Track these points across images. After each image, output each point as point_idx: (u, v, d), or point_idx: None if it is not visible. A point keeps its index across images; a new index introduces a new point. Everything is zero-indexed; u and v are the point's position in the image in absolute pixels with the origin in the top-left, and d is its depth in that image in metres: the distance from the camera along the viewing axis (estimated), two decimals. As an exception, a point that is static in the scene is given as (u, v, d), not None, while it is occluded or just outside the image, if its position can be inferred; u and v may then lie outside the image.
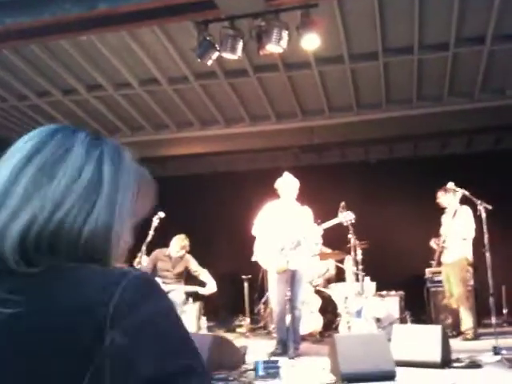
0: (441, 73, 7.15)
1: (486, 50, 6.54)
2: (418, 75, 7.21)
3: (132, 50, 6.61)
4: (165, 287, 6.62)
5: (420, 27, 6.14)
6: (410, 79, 7.32)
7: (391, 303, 6.92)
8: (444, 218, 6.92)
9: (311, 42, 5.55)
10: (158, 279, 6.95)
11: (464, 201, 6.50)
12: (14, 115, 8.37)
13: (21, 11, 5.30)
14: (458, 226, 6.62)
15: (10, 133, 8.86)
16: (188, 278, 7.30)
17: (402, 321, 6.79)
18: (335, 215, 6.02)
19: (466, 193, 6.10)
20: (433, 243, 6.93)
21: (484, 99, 7.72)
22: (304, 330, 6.30)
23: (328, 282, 7.35)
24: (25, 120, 8.56)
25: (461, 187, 6.25)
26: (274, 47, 5.45)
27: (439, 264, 6.97)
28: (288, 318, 5.52)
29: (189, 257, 7.26)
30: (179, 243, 7.16)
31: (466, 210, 6.57)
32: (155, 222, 6.61)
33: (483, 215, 5.88)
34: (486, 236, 5.82)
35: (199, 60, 5.82)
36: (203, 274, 7.11)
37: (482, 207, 5.95)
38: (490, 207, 5.77)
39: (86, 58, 6.84)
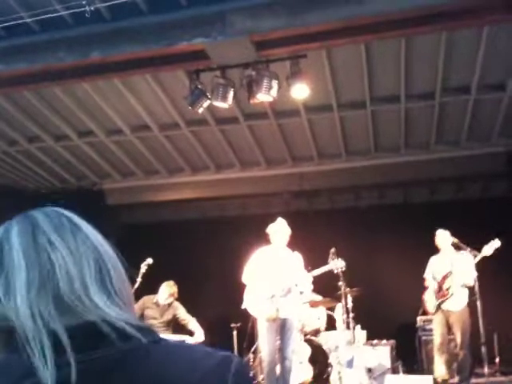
0: (427, 121, 7.29)
1: (471, 99, 6.70)
2: (406, 123, 7.35)
3: (124, 98, 6.70)
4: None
5: (406, 77, 6.30)
6: (398, 127, 7.45)
7: (382, 352, 6.79)
8: (436, 260, 6.64)
9: (300, 91, 5.66)
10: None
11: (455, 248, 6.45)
12: (4, 160, 8.37)
13: (15, 58, 5.38)
14: (465, 272, 6.27)
15: (1, 179, 8.85)
16: (175, 326, 7.16)
17: (394, 371, 6.66)
18: (325, 261, 5.99)
19: (455, 240, 6.12)
20: (431, 292, 6.53)
21: (470, 147, 7.86)
22: (294, 380, 6.16)
23: (318, 330, 7.23)
24: (15, 165, 8.56)
25: (451, 233, 6.26)
26: (264, 96, 5.55)
27: (437, 310, 6.50)
28: (278, 369, 5.41)
29: (177, 304, 7.14)
30: (168, 290, 7.06)
31: (469, 256, 6.32)
32: (143, 268, 6.54)
33: (473, 262, 5.88)
34: (476, 283, 5.80)
35: (190, 108, 5.90)
36: (191, 323, 6.97)
37: (471, 254, 5.96)
38: (478, 254, 5.77)
39: (78, 105, 6.92)
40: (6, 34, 5.21)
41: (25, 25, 5.10)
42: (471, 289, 6.23)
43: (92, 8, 4.70)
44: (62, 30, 5.13)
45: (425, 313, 6.87)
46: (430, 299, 6.57)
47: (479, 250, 6.10)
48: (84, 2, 4.70)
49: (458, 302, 6.35)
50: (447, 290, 6.39)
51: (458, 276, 6.32)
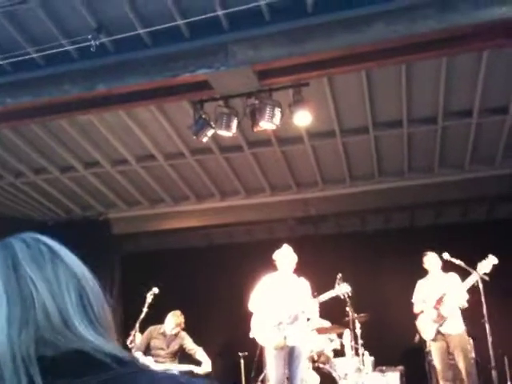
0: (430, 145, 7.32)
1: (473, 122, 6.74)
2: (409, 148, 7.38)
3: (129, 128, 6.77)
4: (158, 366, 6.43)
5: (408, 102, 6.36)
6: (401, 152, 7.48)
7: (392, 379, 6.70)
8: (425, 283, 6.49)
9: (303, 118, 5.72)
10: (150, 358, 6.77)
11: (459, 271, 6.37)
12: (10, 192, 8.43)
13: (21, 92, 5.47)
14: (458, 293, 6.17)
15: (6, 210, 8.90)
16: (182, 356, 7.10)
17: (405, 397, 6.57)
18: (332, 286, 5.96)
19: (462, 264, 6.08)
20: (426, 318, 6.35)
21: (474, 170, 7.86)
22: (303, 409, 6.08)
23: (327, 357, 7.15)
24: (21, 197, 8.62)
25: (457, 256, 6.22)
26: (268, 124, 5.61)
27: (436, 335, 6.29)
28: (287, 397, 5.34)
29: (184, 334, 7.09)
30: (174, 320, 7.01)
31: (457, 277, 6.25)
32: (149, 298, 6.53)
33: (480, 285, 5.83)
34: (484, 307, 5.74)
35: (195, 137, 5.95)
36: (198, 353, 6.91)
37: (479, 278, 5.92)
38: (486, 278, 5.73)
39: (83, 136, 7.00)
40: (13, 68, 5.30)
41: (31, 60, 5.20)
42: (474, 311, 6.13)
43: (97, 42, 4.79)
44: (67, 63, 5.22)
45: (420, 339, 6.68)
46: (425, 325, 6.37)
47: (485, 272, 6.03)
48: (89, 37, 4.79)
49: (456, 325, 6.22)
50: (444, 312, 6.22)
51: (453, 298, 6.19)
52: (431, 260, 6.47)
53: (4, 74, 5.33)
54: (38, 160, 7.49)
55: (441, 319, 6.26)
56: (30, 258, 0.87)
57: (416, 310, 6.49)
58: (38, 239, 0.92)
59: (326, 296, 5.81)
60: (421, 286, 6.55)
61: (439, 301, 6.29)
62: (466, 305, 6.19)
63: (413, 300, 6.53)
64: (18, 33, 5.02)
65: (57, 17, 4.90)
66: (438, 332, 6.27)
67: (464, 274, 6.15)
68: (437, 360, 6.34)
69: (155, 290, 6.58)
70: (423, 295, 6.46)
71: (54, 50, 5.06)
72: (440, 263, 6.39)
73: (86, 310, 0.86)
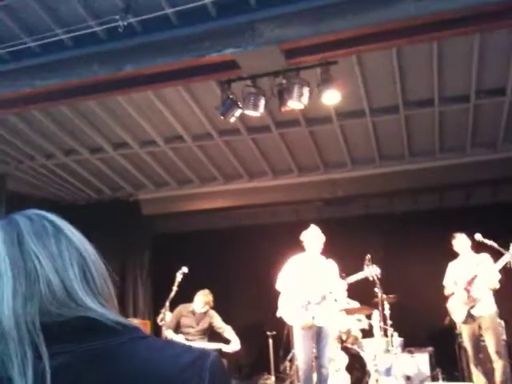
0: (463, 124, 7.16)
1: (506, 100, 6.56)
2: (440, 127, 7.24)
3: (157, 109, 6.79)
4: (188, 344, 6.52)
5: (439, 80, 6.21)
6: (432, 131, 7.35)
7: (421, 360, 6.68)
8: (456, 265, 6.38)
9: (332, 97, 5.65)
10: (181, 335, 6.87)
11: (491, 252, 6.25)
12: (41, 173, 8.58)
13: (50, 74, 5.53)
14: (489, 274, 6.03)
15: (37, 191, 9.07)
16: (211, 334, 7.19)
17: (434, 378, 6.54)
18: (360, 268, 5.94)
19: (495, 244, 5.96)
20: (457, 300, 6.23)
21: (507, 149, 7.68)
22: (331, 389, 6.11)
23: (355, 338, 7.15)
24: (52, 178, 8.77)
25: (487, 238, 6.11)
26: (295, 104, 5.55)
27: (468, 317, 6.16)
28: (315, 377, 5.37)
29: (213, 313, 7.18)
30: (203, 299, 7.10)
31: (489, 258, 6.11)
32: (179, 277, 6.60)
33: (496, 264, 5.74)
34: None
35: (222, 118, 5.94)
36: (227, 331, 6.99)
37: (511, 258, 5.81)
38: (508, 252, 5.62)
39: (112, 118, 7.06)
40: (41, 50, 5.36)
41: (59, 41, 5.24)
42: (505, 292, 6.03)
43: (125, 23, 4.79)
44: (95, 44, 5.24)
45: (451, 321, 6.59)
46: (456, 307, 6.27)
47: None
48: (117, 18, 4.79)
49: (488, 306, 6.09)
50: (476, 294, 6.11)
51: (484, 279, 6.06)
52: (460, 242, 6.34)
53: (33, 56, 5.39)
54: (67, 141, 7.59)
55: (471, 301, 6.14)
56: (34, 234, 0.89)
57: (447, 292, 6.38)
58: (41, 215, 0.95)
59: (355, 277, 5.79)
60: (452, 267, 6.43)
61: (470, 282, 6.17)
62: (497, 286, 6.04)
63: (444, 282, 6.42)
64: (47, 15, 5.06)
65: (85, -2, 4.91)
66: (469, 314, 6.15)
67: (496, 255, 6.03)
68: (468, 343, 6.24)
69: (185, 269, 6.64)
70: (454, 277, 6.34)
71: (82, 32, 5.09)
72: (469, 244, 6.25)
73: (88, 283, 0.88)
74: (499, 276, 5.98)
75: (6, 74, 5.56)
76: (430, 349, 6.93)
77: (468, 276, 6.22)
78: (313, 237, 5.91)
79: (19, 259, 0.85)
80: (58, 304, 0.83)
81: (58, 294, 0.84)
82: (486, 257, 6.16)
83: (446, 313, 6.44)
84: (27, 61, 5.45)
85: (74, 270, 0.87)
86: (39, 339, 0.79)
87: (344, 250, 7.02)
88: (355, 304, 7.15)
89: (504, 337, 6.56)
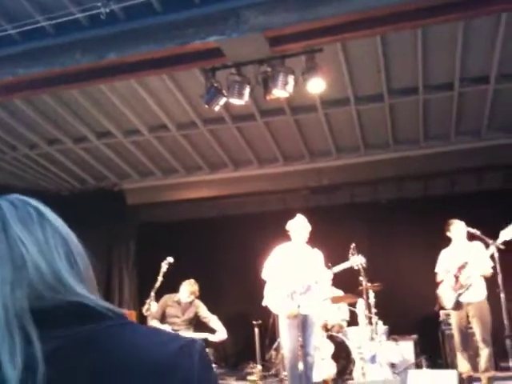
0: (447, 112, 7.19)
1: (491, 88, 6.59)
2: (424, 115, 7.26)
3: (141, 98, 6.73)
4: (174, 334, 6.52)
5: (424, 68, 6.22)
6: (416, 119, 7.37)
7: (405, 348, 6.75)
8: (448, 252, 6.43)
9: (317, 85, 5.63)
10: (166, 325, 6.86)
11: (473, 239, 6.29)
12: (24, 163, 8.48)
13: (32, 62, 5.43)
14: (481, 261, 6.05)
15: (20, 181, 8.97)
16: (197, 324, 7.19)
17: (418, 366, 6.61)
18: (345, 256, 5.96)
19: (478, 232, 6.02)
20: (447, 286, 6.29)
21: (491, 137, 7.74)
22: (317, 377, 6.15)
23: (340, 326, 7.20)
24: (36, 168, 8.67)
25: (471, 225, 6.16)
26: (280, 92, 5.53)
27: (457, 304, 6.23)
28: (301, 365, 5.40)
29: (198, 302, 7.18)
30: (189, 288, 7.09)
31: (481, 246, 6.13)
32: (164, 267, 6.58)
33: (496, 254, 5.78)
34: (499, 276, 5.70)
35: (207, 106, 5.90)
36: (213, 321, 7.00)
37: (494, 246, 5.86)
38: (502, 246, 5.67)
39: (96, 107, 6.97)
40: (23, 38, 5.26)
41: (41, 28, 5.15)
42: (489, 280, 6.08)
43: (107, 10, 4.72)
44: (77, 32, 5.16)
45: (441, 308, 6.68)
46: (445, 294, 6.32)
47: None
48: (99, 4, 4.72)
49: (476, 293, 6.14)
50: (465, 280, 6.16)
51: (475, 266, 6.10)
52: (457, 228, 6.33)
53: (14, 43, 5.29)
54: (51, 131, 7.50)
55: (460, 288, 6.19)
56: (19, 219, 0.88)
57: (438, 279, 6.44)
58: (25, 201, 0.94)
59: (340, 267, 5.80)
60: (444, 254, 6.47)
61: (460, 269, 6.22)
62: (489, 273, 6.04)
63: (436, 269, 6.47)
64: (27, 1, 4.96)
65: (65, -16, 4.83)
66: (458, 301, 6.22)
67: (484, 242, 6.08)
68: (455, 329, 6.30)
69: (170, 259, 6.62)
70: (447, 264, 6.39)
71: (64, 19, 5.01)
72: (465, 232, 6.26)
73: (73, 269, 0.88)
74: (491, 263, 6.00)
75: (-14, 61, 5.46)
76: (415, 336, 7.01)
77: (459, 263, 6.26)
78: (299, 226, 5.91)
79: (4, 245, 0.84)
80: (48, 288, 0.83)
81: (48, 279, 0.83)
82: (478, 244, 6.18)
83: (436, 299, 6.49)
84: (8, 49, 5.34)
85: (61, 255, 0.87)
86: (28, 324, 0.78)
87: (330, 238, 7.05)
88: (339, 293, 7.19)
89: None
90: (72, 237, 0.93)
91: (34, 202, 0.95)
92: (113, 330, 0.84)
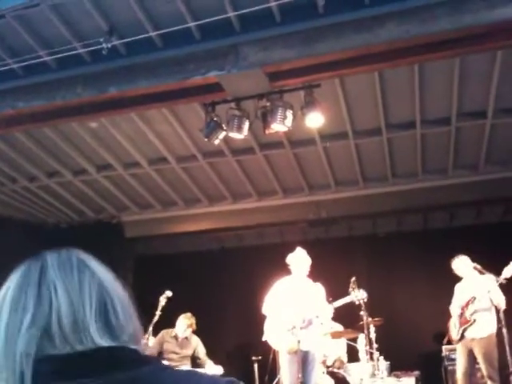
0: (444, 146, 7.24)
1: (488, 123, 6.65)
2: (422, 149, 7.31)
3: (141, 131, 6.78)
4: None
5: (421, 103, 6.29)
6: (414, 153, 7.41)
7: (407, 384, 6.63)
8: (460, 287, 6.40)
9: (315, 120, 5.67)
10: (164, 361, 6.75)
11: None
12: (24, 196, 8.48)
13: (33, 95, 5.49)
14: (490, 295, 5.95)
15: (19, 213, 8.95)
16: (194, 360, 7.08)
17: (420, 402, 6.48)
18: (344, 289, 5.90)
19: (478, 266, 5.98)
20: (454, 319, 6.27)
21: (489, 171, 7.77)
22: (317, 414, 6.02)
23: (341, 362, 7.08)
24: (35, 200, 8.66)
25: (473, 259, 6.13)
26: (279, 126, 5.57)
27: (461, 338, 6.20)
28: (300, 402, 5.29)
29: (197, 340, 7.08)
30: (185, 322, 7.01)
31: (493, 279, 5.98)
32: (162, 301, 6.51)
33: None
34: (501, 310, 5.64)
35: (207, 139, 5.94)
36: (208, 365, 6.91)
37: (495, 282, 5.82)
38: (503, 281, 5.62)
39: (96, 140, 7.02)
40: (25, 72, 5.33)
41: (43, 63, 5.22)
42: (498, 313, 6.00)
43: (109, 45, 4.79)
44: (79, 66, 5.23)
45: (450, 342, 6.64)
46: (452, 328, 6.34)
47: (499, 274, 5.91)
48: (101, 40, 4.80)
49: (482, 329, 6.07)
50: (470, 316, 6.11)
51: (483, 300, 6.04)
52: (459, 265, 6.31)
53: (16, 77, 5.36)
54: (51, 163, 7.52)
55: (465, 323, 6.17)
56: (58, 265, 0.91)
57: (451, 313, 6.44)
58: (71, 251, 0.97)
59: (341, 302, 5.74)
60: (457, 289, 6.46)
61: (467, 304, 6.20)
62: (501, 305, 5.93)
63: (452, 303, 6.47)
64: (30, 36, 5.04)
65: (69, 20, 4.91)
66: (462, 335, 6.18)
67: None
68: (459, 363, 6.26)
69: (168, 293, 6.57)
70: (459, 298, 6.39)
71: (66, 53, 5.08)
72: (470, 266, 6.19)
73: (107, 316, 0.88)
74: (502, 296, 5.91)
75: (-12, 95, 5.51)
76: (417, 373, 6.89)
77: (468, 297, 6.23)
78: (299, 259, 5.87)
79: (37, 289, 0.87)
80: (63, 334, 0.84)
81: (66, 325, 0.84)
82: (489, 277, 6.09)
83: (446, 332, 6.47)
84: (10, 82, 5.41)
85: (92, 305, 0.88)
86: (27, 368, 0.80)
87: (328, 271, 6.99)
88: (339, 327, 7.09)
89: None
90: (114, 285, 0.94)
91: (80, 252, 0.97)
92: (148, 378, 0.84)
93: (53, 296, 0.86)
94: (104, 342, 0.85)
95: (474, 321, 6.08)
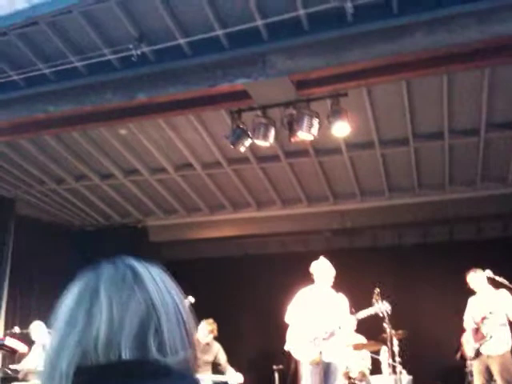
0: (473, 158, 7.13)
1: (517, 135, 6.54)
2: (450, 160, 7.21)
3: (168, 137, 6.84)
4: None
5: (449, 113, 6.21)
6: (442, 164, 7.32)
7: (430, 398, 6.50)
8: (475, 301, 6.28)
9: (341, 129, 5.65)
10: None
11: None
12: (51, 198, 8.62)
13: (63, 100, 5.60)
14: (507, 310, 5.88)
15: (46, 215, 9.11)
16: (214, 366, 7.08)
17: (443, 417, 6.35)
18: (368, 300, 5.83)
19: (505, 281, 5.86)
20: (469, 335, 6.19)
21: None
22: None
23: (363, 374, 6.99)
24: (62, 203, 8.81)
25: (497, 272, 6.01)
26: (305, 135, 5.56)
27: (477, 354, 6.08)
28: (321, 413, 5.24)
29: (218, 346, 7.07)
30: (207, 327, 7.02)
31: (507, 294, 5.95)
32: (185, 306, 6.52)
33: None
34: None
35: (232, 146, 5.96)
36: (228, 372, 6.90)
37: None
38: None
39: (123, 145, 7.11)
40: (56, 77, 5.43)
41: (73, 68, 5.31)
42: None
43: (138, 52, 4.86)
44: (108, 72, 5.31)
45: (462, 357, 6.48)
46: (467, 344, 6.20)
47: None
48: (131, 46, 4.87)
49: (498, 346, 5.94)
50: (486, 332, 5.98)
51: (499, 316, 5.92)
52: (474, 279, 6.22)
53: (47, 82, 5.46)
54: (79, 167, 7.65)
55: (481, 338, 6.02)
56: (111, 282, 0.94)
57: (465, 326, 6.33)
58: (127, 264, 0.99)
59: (365, 313, 5.66)
60: (471, 303, 6.34)
61: (483, 319, 6.07)
62: None
63: (464, 317, 6.36)
64: (62, 42, 5.14)
65: (99, 26, 5.00)
66: (478, 352, 6.05)
67: (509, 290, 5.91)
68: (476, 380, 6.11)
69: (191, 298, 6.57)
70: (473, 313, 6.26)
71: (96, 59, 5.16)
72: (485, 280, 6.13)
73: (146, 335, 0.90)
74: None
75: (20, 99, 5.63)
76: (440, 386, 6.76)
77: (483, 312, 6.09)
78: (323, 269, 5.83)
79: (88, 305, 0.90)
80: (94, 352, 0.87)
81: (100, 348, 0.87)
82: (504, 292, 6.01)
83: (459, 347, 6.32)
84: (41, 87, 5.52)
85: (132, 324, 0.90)
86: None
87: (351, 281, 6.92)
88: (361, 339, 7.01)
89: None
90: (166, 301, 0.95)
91: (140, 264, 1.00)
92: None
93: (98, 314, 0.89)
94: (131, 357, 0.88)
95: (491, 337, 5.95)
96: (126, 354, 0.86)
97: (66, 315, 0.91)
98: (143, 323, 0.90)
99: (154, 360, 0.87)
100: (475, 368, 6.12)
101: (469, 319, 6.28)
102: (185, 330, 0.95)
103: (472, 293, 6.37)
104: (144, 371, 0.86)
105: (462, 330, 6.31)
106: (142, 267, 0.98)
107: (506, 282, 5.86)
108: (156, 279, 0.97)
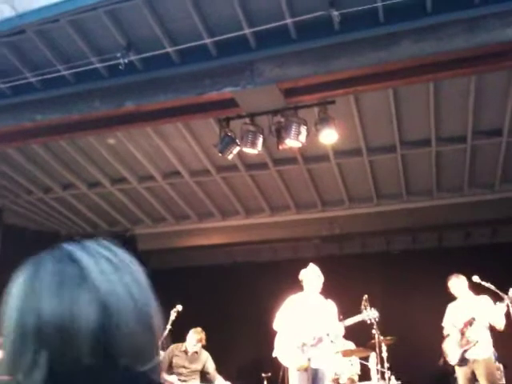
0: (460, 164, 7.19)
1: (504, 141, 6.61)
2: (437, 167, 7.27)
3: (156, 145, 6.83)
4: (180, 384, 6.39)
5: (436, 121, 6.27)
6: (430, 171, 7.37)
7: (420, 404, 6.51)
8: (455, 307, 6.25)
9: (329, 136, 5.68)
10: (173, 376, 6.72)
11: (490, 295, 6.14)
12: (38, 207, 8.56)
13: (51, 109, 5.57)
14: (490, 316, 5.88)
15: (33, 224, 9.03)
16: (203, 375, 7.04)
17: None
18: (357, 307, 5.84)
19: (492, 287, 5.89)
20: (452, 341, 6.11)
21: (505, 190, 7.70)
22: (327, 433, 5.94)
23: (352, 380, 6.99)
24: (49, 212, 8.74)
25: (485, 278, 6.04)
26: (293, 142, 5.58)
27: (462, 360, 5.99)
28: (310, 421, 5.22)
29: (206, 355, 7.02)
30: (195, 336, 6.97)
31: (489, 300, 5.97)
32: (172, 315, 6.49)
33: (511, 310, 5.64)
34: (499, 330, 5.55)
35: (221, 154, 5.96)
36: (217, 381, 6.85)
37: (509, 301, 5.73)
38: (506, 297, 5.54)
39: (111, 153, 7.08)
40: (43, 86, 5.40)
41: (61, 77, 5.29)
42: (498, 335, 5.90)
43: (126, 60, 4.85)
44: (96, 81, 5.30)
45: (445, 363, 6.48)
46: (451, 349, 6.13)
47: None
48: (118, 55, 4.86)
49: (483, 350, 5.94)
50: (471, 337, 5.97)
51: (482, 321, 5.94)
52: (455, 285, 6.23)
53: (34, 91, 5.44)
54: (66, 175, 7.60)
55: (466, 344, 6.04)
56: (51, 279, 0.87)
57: (444, 333, 6.29)
58: (73, 255, 0.93)
59: (352, 320, 5.67)
60: (451, 309, 6.33)
61: (466, 325, 6.07)
62: (501, 327, 5.83)
63: (443, 323, 6.33)
64: (49, 50, 5.12)
65: (87, 35, 4.99)
66: (463, 357, 6.03)
67: (497, 297, 5.94)
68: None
69: (179, 307, 6.54)
70: (453, 319, 6.23)
71: (84, 68, 5.15)
72: (466, 286, 6.16)
73: (104, 338, 0.82)
74: (503, 319, 5.83)
75: (7, 108, 5.60)
76: (429, 392, 6.76)
77: (466, 318, 6.11)
78: (312, 276, 5.83)
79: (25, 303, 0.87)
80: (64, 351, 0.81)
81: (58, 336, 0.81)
82: (485, 299, 6.04)
83: (441, 353, 6.32)
84: (28, 95, 5.49)
85: (89, 317, 0.82)
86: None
87: (341, 288, 6.93)
88: (350, 345, 7.01)
89: (503, 381, 6.40)
90: (121, 297, 0.87)
91: (86, 258, 0.92)
92: None
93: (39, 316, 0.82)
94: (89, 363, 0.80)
95: (477, 342, 5.95)
96: (85, 360, 0.80)
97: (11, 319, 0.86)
98: (103, 325, 0.82)
99: (115, 366, 0.81)
100: (461, 374, 6.09)
101: (449, 325, 6.27)
102: (149, 332, 0.87)
103: (453, 298, 6.38)
104: (104, 378, 0.80)
105: (443, 337, 6.30)
106: (89, 260, 0.91)
107: (493, 287, 5.89)
108: (101, 277, 0.88)
